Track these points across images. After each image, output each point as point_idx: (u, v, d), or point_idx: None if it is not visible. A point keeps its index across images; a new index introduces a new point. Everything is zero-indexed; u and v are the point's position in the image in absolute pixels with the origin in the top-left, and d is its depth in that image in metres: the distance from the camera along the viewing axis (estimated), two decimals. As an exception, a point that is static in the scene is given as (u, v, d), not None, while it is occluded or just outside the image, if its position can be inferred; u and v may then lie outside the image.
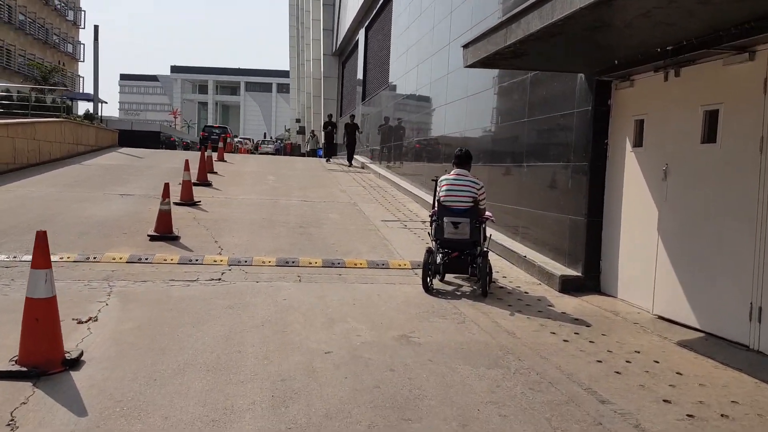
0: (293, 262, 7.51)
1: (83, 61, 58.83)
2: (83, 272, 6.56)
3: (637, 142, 6.28)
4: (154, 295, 5.85)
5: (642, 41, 5.26)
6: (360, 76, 23.58)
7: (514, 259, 8.02)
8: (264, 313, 5.33)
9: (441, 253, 6.63)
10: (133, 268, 6.89)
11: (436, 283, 6.75)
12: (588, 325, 5.46)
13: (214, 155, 20.39)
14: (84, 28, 59.25)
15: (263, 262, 7.44)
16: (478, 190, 6.70)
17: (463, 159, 6.89)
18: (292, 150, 42.16)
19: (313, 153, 30.34)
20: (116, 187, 12.70)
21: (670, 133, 5.74)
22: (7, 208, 9.82)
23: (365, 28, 23.11)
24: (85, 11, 58.72)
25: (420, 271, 6.83)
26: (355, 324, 5.14)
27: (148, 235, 8.31)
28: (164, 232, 8.34)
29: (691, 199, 5.43)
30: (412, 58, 14.87)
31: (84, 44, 58.72)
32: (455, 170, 6.85)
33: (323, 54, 32.10)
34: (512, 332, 5.16)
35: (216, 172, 16.14)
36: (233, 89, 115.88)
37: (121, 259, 7.15)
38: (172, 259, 7.26)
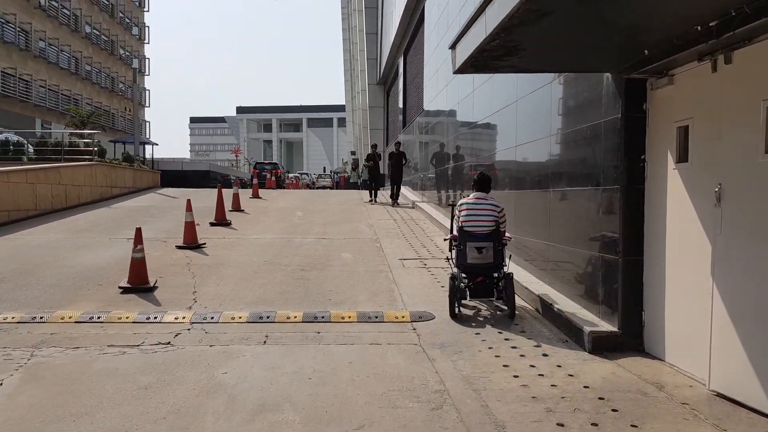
0: (268, 318, 6.34)
1: (149, 106, 61.28)
2: (15, 337, 5.63)
3: (681, 157, 4.78)
4: (71, 368, 4.81)
5: (669, 18, 3.85)
6: (401, 103, 22.57)
7: (539, 307, 6.53)
8: (180, 398, 4.16)
9: (464, 278, 6.51)
10: (78, 329, 5.92)
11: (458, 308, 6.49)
12: (615, 411, 3.95)
13: (249, 192, 19.92)
14: (149, 75, 61.86)
15: (233, 318, 6.31)
16: (499, 213, 6.56)
17: (483, 183, 6.76)
18: (347, 183, 41.59)
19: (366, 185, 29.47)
20: (128, 231, 12.00)
21: (723, 142, 4.23)
22: (-4, 258, 9.23)
23: (403, 53, 22.18)
24: (149, 58, 61.29)
25: (418, 324, 6.17)
26: (288, 415, 3.87)
27: (119, 287, 7.39)
28: (137, 284, 7.40)
29: (755, 229, 3.89)
30: (442, 79, 13.68)
31: (149, 90, 61.29)
32: (475, 194, 6.71)
33: (368, 84, 31.45)
34: (502, 424, 3.74)
35: (243, 210, 15.39)
36: (296, 126, 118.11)
37: (70, 318, 6.21)
38: (127, 318, 6.26)
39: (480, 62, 4.94)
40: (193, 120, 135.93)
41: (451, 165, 13.03)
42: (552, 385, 4.45)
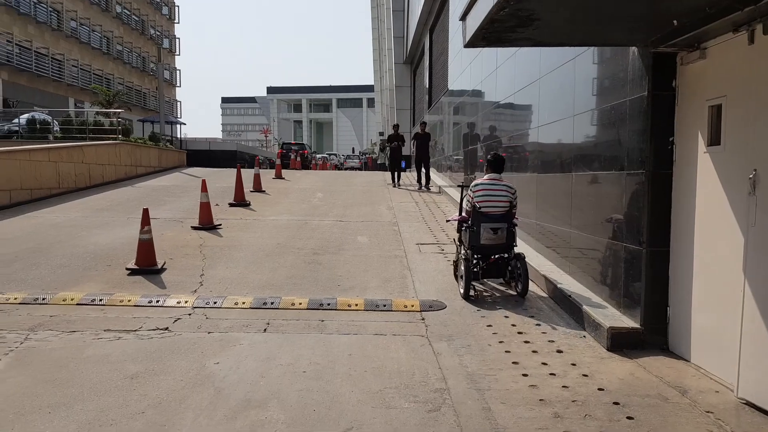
0: (272, 304, 6.12)
1: (180, 86, 61.71)
2: (14, 319, 5.53)
3: (714, 139, 4.34)
4: (61, 353, 4.66)
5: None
6: (426, 83, 22.04)
7: (558, 299, 6.17)
8: (164, 390, 3.96)
9: (476, 259, 6.49)
10: (79, 312, 5.79)
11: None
12: (630, 418, 3.60)
13: (271, 173, 19.78)
14: (179, 54, 62.19)
15: (236, 303, 6.12)
16: (513, 194, 6.56)
17: (497, 164, 6.68)
18: (374, 164, 41.26)
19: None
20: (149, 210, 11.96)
21: (759, 123, 3.79)
22: (13, 236, 9.22)
23: (429, 30, 21.60)
24: (179, 38, 61.54)
25: (428, 314, 5.93)
26: (273, 413, 3.63)
27: (126, 269, 7.27)
28: (145, 265, 7.26)
29: (796, 223, 3.47)
30: (466, 56, 13.19)
31: (180, 70, 61.65)
32: (489, 175, 6.65)
33: (395, 63, 30.89)
34: (504, 428, 3.44)
35: (264, 191, 15.22)
36: (326, 106, 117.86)
37: (72, 300, 6.09)
38: (129, 301, 6.11)
39: (491, 34, 4.54)
40: (224, 100, 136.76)
41: (476, 146, 12.60)
42: (563, 387, 4.12)
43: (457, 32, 14.84)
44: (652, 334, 4.86)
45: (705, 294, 4.41)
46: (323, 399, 3.84)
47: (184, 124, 34.45)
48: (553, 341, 5.10)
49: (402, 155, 17.63)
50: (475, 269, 6.42)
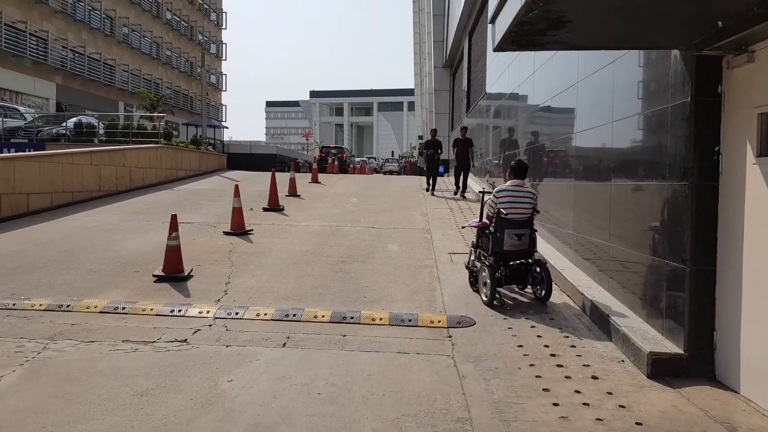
0: (294, 316, 5.95)
1: (225, 90, 62.85)
2: (37, 326, 5.52)
3: (764, 149, 3.96)
4: (75, 365, 4.58)
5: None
6: (465, 86, 21.67)
7: (595, 317, 5.80)
8: (172, 409, 3.82)
9: (498, 265, 6.41)
10: (100, 320, 5.75)
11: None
12: (668, 460, 3.27)
13: (307, 177, 19.77)
14: (226, 59, 63.33)
15: (258, 315, 5.97)
16: (535, 199, 6.59)
17: (521, 170, 6.69)
18: (413, 168, 41.01)
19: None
20: (183, 214, 12.00)
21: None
22: (49, 239, 9.36)
23: (468, 34, 21.22)
24: (225, 44, 62.65)
25: (456, 331, 5.65)
26: (280, 439, 3.44)
27: (153, 276, 7.23)
28: (171, 272, 7.21)
29: None
30: (504, 59, 12.83)
31: (225, 75, 62.78)
32: (513, 181, 6.60)
33: (434, 66, 30.57)
34: (526, 469, 3.15)
35: (299, 195, 15.20)
36: (367, 110, 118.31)
37: (95, 308, 6.06)
38: (151, 310, 6.04)
39: (520, 37, 4.26)
40: (268, 104, 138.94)
41: (513, 151, 12.22)
42: (597, 419, 3.79)
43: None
44: (697, 360, 4.48)
45: (755, 318, 4.02)
46: (335, 426, 3.63)
47: (227, 127, 35.01)
48: (588, 365, 4.76)
49: (439, 161, 17.12)
50: (498, 275, 6.32)
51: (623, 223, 5.81)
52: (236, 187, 10.50)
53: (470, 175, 16.29)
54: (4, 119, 19.67)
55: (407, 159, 45.70)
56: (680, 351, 4.54)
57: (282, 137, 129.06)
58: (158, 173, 17.27)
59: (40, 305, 6.11)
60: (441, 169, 18.12)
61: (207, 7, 58.56)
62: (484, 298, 6.37)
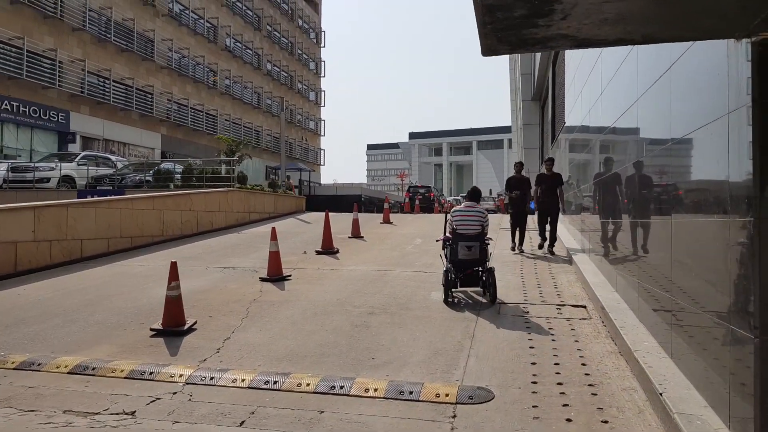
0: (275, 383, 5.00)
1: (323, 135, 64.57)
2: (-9, 389, 4.98)
3: None
4: (-16, 445, 3.91)
5: None
6: (549, 116, 20.16)
7: (649, 392, 4.36)
8: None
9: (455, 271, 7.72)
10: (61, 383, 5.12)
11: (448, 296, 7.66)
12: None
13: (378, 217, 19.04)
14: (324, 106, 65.23)
15: (234, 380, 5.09)
16: (484, 218, 7.96)
17: (474, 195, 8.32)
18: (506, 207, 39.24)
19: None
20: (232, 259, 11.60)
21: None
22: (82, 287, 9.12)
23: (552, 63, 19.82)
24: (324, 91, 64.68)
25: (463, 409, 4.51)
26: None
27: (151, 329, 6.60)
28: (170, 326, 6.55)
29: None
30: (578, 80, 11.47)
31: (324, 120, 64.61)
32: (466, 203, 8.20)
33: (522, 100, 29.15)
34: None
35: (362, 236, 14.44)
36: (466, 149, 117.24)
37: (65, 367, 5.46)
38: (122, 371, 5.33)
39: (504, 31, 3.17)
40: (369, 147, 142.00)
41: (585, 184, 10.70)
42: None
43: (572, 57, 13.15)
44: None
45: None
46: None
47: (312, 171, 35.35)
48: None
49: (528, 205, 12.45)
50: (453, 278, 7.65)
51: (685, 271, 4.38)
52: (273, 230, 9.89)
53: (560, 219, 12.42)
54: (97, 168, 20.74)
55: (501, 197, 43.93)
56: (755, 459, 3.08)
57: (382, 178, 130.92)
58: (228, 216, 17.22)
59: (12, 363, 5.61)
60: (532, 204, 12.83)
61: (306, 57, 60.90)
62: (442, 297, 7.65)
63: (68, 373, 5.35)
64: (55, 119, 28.06)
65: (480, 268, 7.75)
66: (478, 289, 8.05)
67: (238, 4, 46.73)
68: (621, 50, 6.69)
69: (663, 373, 4.38)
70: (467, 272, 7.74)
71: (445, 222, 8.35)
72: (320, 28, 65.27)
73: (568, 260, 10.65)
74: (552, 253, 11.63)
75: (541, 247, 12.02)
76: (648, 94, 5.45)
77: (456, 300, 7.74)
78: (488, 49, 3.55)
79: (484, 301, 7.67)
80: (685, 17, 3.15)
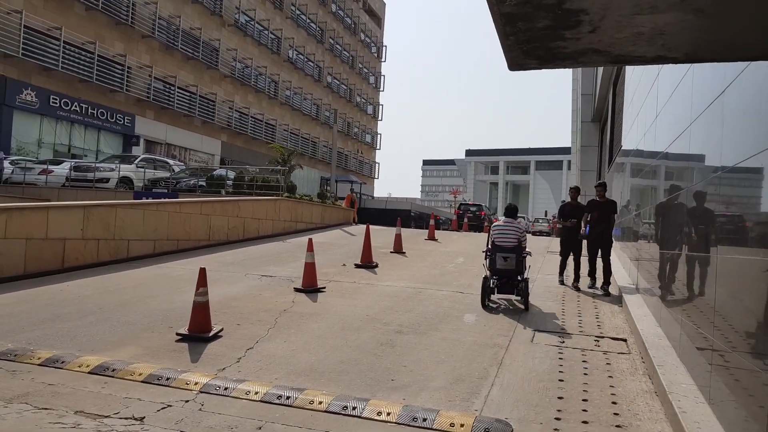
0: (288, 398, 4.88)
1: (379, 149, 64.94)
2: (11, 383, 5.05)
3: None
4: (-9, 440, 3.94)
5: None
6: (608, 138, 19.46)
7: (683, 445, 3.99)
8: None
9: (494, 279, 8.66)
10: (79, 382, 5.16)
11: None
12: None
13: (424, 233, 18.81)
14: (381, 120, 65.67)
15: (247, 392, 4.99)
16: (521, 233, 8.75)
17: (511, 211, 9.17)
18: (560, 231, 38.09)
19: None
20: (271, 267, 11.65)
21: None
22: (121, 287, 9.31)
23: (613, 83, 19.17)
24: (382, 105, 65.11)
25: None
26: None
27: (177, 334, 6.62)
28: (196, 331, 6.56)
29: None
30: (635, 106, 10.98)
31: (380, 134, 64.99)
32: (504, 218, 9.06)
33: (581, 121, 28.36)
34: None
35: (403, 252, 14.26)
36: (524, 168, 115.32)
37: (87, 366, 5.51)
38: (140, 375, 5.34)
39: (529, 44, 2.96)
40: (425, 162, 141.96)
41: (634, 214, 10.16)
42: None
43: (631, 79, 12.65)
44: None
45: None
46: None
47: (364, 183, 35.45)
48: None
49: (581, 232, 10.64)
50: (492, 285, 8.59)
51: (728, 312, 4.01)
52: (309, 240, 9.82)
53: (613, 249, 10.83)
54: (155, 170, 21.41)
55: (554, 219, 42.80)
56: None
57: (436, 194, 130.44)
58: (275, 225, 17.37)
59: (38, 358, 5.70)
60: (587, 230, 10.65)
61: (366, 71, 61.53)
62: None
63: (88, 372, 5.40)
64: (121, 122, 29.27)
65: (518, 278, 8.53)
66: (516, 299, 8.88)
67: (302, 17, 47.73)
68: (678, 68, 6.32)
69: (697, 420, 4.00)
70: (503, 280, 8.57)
71: (488, 236, 9.11)
72: (382, 42, 65.88)
73: (618, 300, 9.43)
74: (607, 293, 9.81)
75: (592, 284, 10.29)
76: (701, 119, 5.08)
77: (495, 305, 8.57)
78: (514, 63, 3.34)
79: (521, 307, 8.45)
80: (732, 33, 2.87)
